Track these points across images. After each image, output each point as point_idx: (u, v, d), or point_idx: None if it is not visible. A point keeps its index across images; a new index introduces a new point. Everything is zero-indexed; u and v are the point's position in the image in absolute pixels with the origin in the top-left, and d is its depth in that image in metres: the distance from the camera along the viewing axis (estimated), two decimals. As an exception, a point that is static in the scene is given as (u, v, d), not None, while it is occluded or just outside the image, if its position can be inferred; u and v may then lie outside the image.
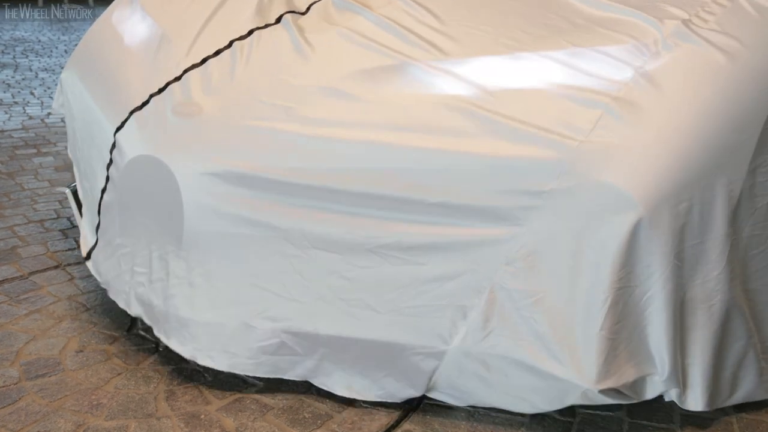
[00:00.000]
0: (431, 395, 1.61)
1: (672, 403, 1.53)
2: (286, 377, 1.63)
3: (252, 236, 1.56)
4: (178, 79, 1.82)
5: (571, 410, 1.62)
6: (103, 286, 1.89)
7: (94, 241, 1.93)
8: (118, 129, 1.82)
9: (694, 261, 1.41)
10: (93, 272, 1.93)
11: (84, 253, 1.99)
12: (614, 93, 1.45)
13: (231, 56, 1.84)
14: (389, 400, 1.60)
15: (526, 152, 1.42)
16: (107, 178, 1.84)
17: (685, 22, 1.59)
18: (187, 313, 1.62)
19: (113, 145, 1.82)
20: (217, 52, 1.86)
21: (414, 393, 1.58)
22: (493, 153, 1.44)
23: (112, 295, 1.84)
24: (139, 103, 1.82)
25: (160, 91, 1.82)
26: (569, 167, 1.39)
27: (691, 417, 1.63)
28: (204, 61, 1.85)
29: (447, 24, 1.76)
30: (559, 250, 1.41)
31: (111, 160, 1.82)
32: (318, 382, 1.63)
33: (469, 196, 1.44)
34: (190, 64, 1.85)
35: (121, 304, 1.80)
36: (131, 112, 1.82)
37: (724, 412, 1.64)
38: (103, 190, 1.86)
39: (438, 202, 1.45)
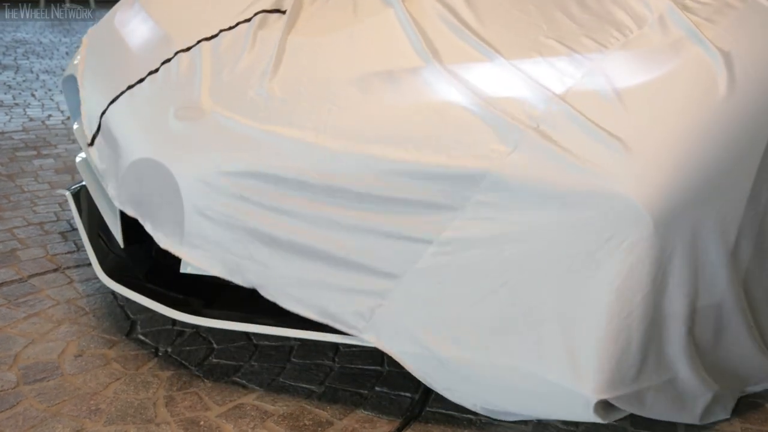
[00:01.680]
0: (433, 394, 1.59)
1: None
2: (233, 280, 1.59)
3: None
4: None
5: (574, 419, 1.61)
6: (99, 176, 1.90)
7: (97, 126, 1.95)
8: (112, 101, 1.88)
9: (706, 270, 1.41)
10: (96, 160, 1.91)
11: (89, 139, 1.99)
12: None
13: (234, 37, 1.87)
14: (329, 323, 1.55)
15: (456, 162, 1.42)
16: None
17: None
18: None
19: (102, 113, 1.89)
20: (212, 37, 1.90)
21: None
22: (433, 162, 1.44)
23: (103, 182, 1.86)
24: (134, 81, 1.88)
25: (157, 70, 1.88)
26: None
27: (694, 427, 1.62)
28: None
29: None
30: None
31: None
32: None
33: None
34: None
35: (111, 193, 1.82)
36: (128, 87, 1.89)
37: (729, 423, 1.63)
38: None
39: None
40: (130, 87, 1.93)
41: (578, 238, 1.35)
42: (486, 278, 1.41)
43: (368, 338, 1.52)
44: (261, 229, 1.55)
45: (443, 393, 1.55)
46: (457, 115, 1.48)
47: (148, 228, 1.70)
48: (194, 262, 1.63)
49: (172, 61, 1.90)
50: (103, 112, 1.94)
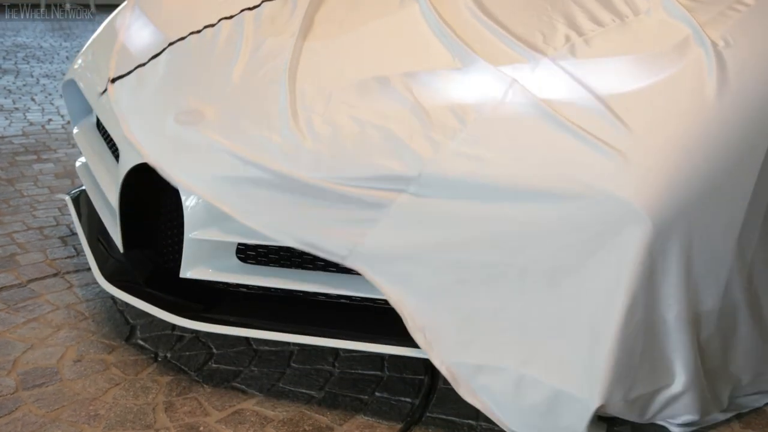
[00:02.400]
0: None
1: (678, 418, 1.51)
2: None
3: None
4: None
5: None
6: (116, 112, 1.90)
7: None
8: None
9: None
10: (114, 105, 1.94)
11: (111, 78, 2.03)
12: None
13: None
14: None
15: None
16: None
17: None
18: None
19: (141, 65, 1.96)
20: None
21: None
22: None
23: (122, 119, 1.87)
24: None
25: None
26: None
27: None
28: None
29: None
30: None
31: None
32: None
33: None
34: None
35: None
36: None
37: (729, 426, 1.62)
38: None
39: None
40: (171, 44, 1.98)
41: (573, 242, 1.35)
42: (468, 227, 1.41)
43: (351, 265, 1.48)
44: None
45: (415, 335, 1.47)
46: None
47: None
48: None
49: (215, 26, 1.96)
50: (142, 64, 1.98)
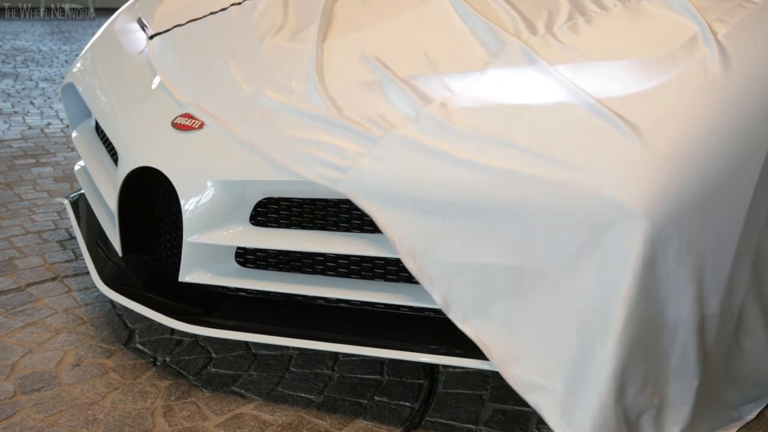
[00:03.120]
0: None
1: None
2: None
3: None
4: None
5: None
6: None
7: None
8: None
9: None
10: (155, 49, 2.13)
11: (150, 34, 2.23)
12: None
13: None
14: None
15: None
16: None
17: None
18: None
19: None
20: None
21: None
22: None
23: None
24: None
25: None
26: None
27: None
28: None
29: None
30: None
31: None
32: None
33: None
34: None
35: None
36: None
37: None
38: None
39: None
40: (212, 13, 2.17)
41: (568, 241, 1.34)
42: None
43: (342, 189, 1.48)
44: None
45: (406, 260, 1.44)
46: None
47: None
48: None
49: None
50: (180, 25, 2.15)
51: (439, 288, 1.43)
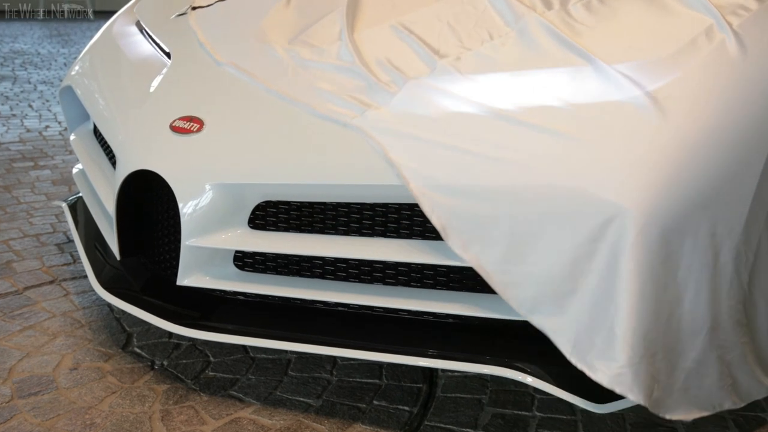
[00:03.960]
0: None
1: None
2: None
3: None
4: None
5: (572, 409, 1.60)
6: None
7: None
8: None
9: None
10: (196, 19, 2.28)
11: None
12: None
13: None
14: None
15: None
16: None
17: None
18: None
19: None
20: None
21: None
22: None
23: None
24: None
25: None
26: None
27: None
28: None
29: None
30: None
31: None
32: None
33: None
34: None
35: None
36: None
37: (721, 415, 1.62)
38: None
39: None
40: None
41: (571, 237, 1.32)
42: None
43: (359, 125, 1.53)
44: None
45: (420, 198, 1.43)
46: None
47: None
48: None
49: None
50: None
51: (439, 213, 1.41)
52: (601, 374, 1.30)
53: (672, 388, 1.34)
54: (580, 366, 1.33)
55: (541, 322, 1.37)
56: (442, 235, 1.41)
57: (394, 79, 1.65)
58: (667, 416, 1.33)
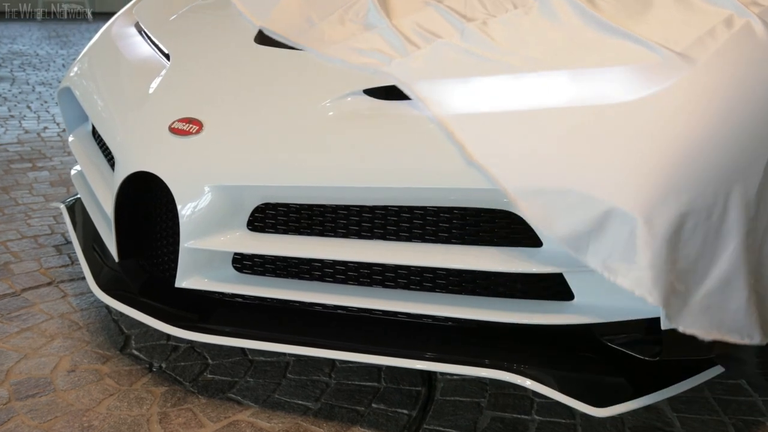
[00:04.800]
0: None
1: (670, 405, 1.50)
2: None
3: None
4: None
5: (571, 413, 1.60)
6: None
7: None
8: None
9: None
10: None
11: None
12: None
13: None
14: None
15: None
16: None
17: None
18: None
19: None
20: None
21: None
22: None
23: None
24: None
25: None
26: None
27: (689, 419, 1.61)
28: None
29: None
30: None
31: None
32: None
33: None
34: None
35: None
36: None
37: (721, 420, 1.61)
38: None
39: None
40: None
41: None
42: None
43: (388, 71, 1.64)
44: None
45: (443, 122, 1.50)
46: None
47: None
48: None
49: None
50: None
51: (458, 125, 1.48)
52: (621, 277, 1.30)
53: (692, 300, 1.32)
54: (600, 269, 1.33)
55: (563, 230, 1.36)
56: (457, 140, 1.47)
57: (424, 39, 1.77)
58: (681, 328, 1.31)
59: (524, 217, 1.40)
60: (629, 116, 1.39)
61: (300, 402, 1.70)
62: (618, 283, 1.30)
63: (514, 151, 1.43)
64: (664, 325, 1.40)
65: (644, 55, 1.48)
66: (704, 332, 1.33)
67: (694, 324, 1.32)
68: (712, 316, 1.33)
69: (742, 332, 1.35)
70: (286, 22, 2.06)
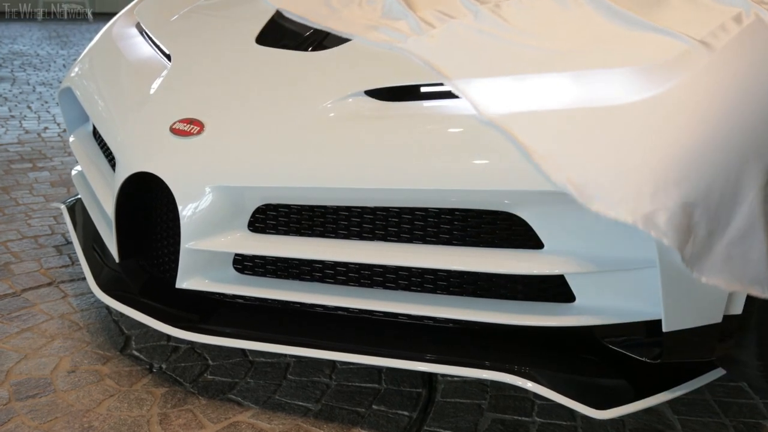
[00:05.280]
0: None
1: (670, 407, 1.50)
2: None
3: None
4: None
5: (572, 415, 1.59)
6: None
7: None
8: None
9: None
10: None
11: None
12: None
13: None
14: None
15: None
16: None
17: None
18: None
19: None
20: None
21: None
22: None
23: None
24: None
25: None
26: None
27: (690, 421, 1.61)
28: None
29: None
30: None
31: None
32: None
33: None
34: None
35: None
36: None
37: (722, 423, 1.61)
38: None
39: None
40: None
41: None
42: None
43: (406, 47, 1.70)
44: None
45: (459, 89, 1.53)
46: None
47: None
48: None
49: None
50: None
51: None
52: (632, 216, 1.25)
53: (712, 248, 1.29)
54: (608, 213, 1.28)
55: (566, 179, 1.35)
56: (468, 100, 1.50)
57: (439, 20, 1.82)
58: (704, 278, 1.28)
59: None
60: (653, 107, 1.38)
61: (300, 403, 1.70)
62: (630, 221, 1.25)
63: (528, 114, 1.44)
64: (666, 327, 1.40)
65: (666, 43, 1.47)
66: (726, 283, 1.30)
67: (716, 275, 1.29)
68: (734, 266, 1.30)
69: (763, 285, 1.33)
70: (305, 5, 2.11)
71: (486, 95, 1.49)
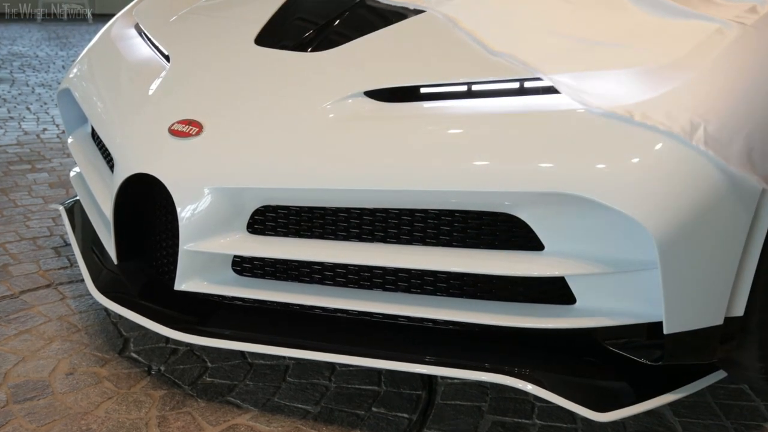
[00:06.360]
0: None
1: (672, 409, 1.49)
2: None
3: None
4: None
5: (572, 417, 1.59)
6: None
7: None
8: None
9: None
10: None
11: None
12: None
13: None
14: None
15: None
16: None
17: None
18: None
19: None
20: None
21: None
22: None
23: None
24: None
25: None
26: None
27: (691, 424, 1.60)
28: None
29: None
30: None
31: None
32: None
33: None
34: None
35: None
36: None
37: (723, 425, 1.61)
38: None
39: None
40: None
41: None
42: None
43: (424, 6, 1.91)
44: None
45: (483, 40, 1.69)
46: None
47: None
48: None
49: None
50: None
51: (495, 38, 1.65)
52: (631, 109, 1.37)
53: (731, 141, 1.34)
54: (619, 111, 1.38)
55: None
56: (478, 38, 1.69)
57: None
58: (732, 166, 1.32)
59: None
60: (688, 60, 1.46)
61: (300, 405, 1.70)
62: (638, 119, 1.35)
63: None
64: (667, 329, 1.39)
65: (698, 26, 1.54)
66: (758, 179, 1.34)
67: (737, 162, 1.33)
68: (755, 161, 1.34)
69: None
70: None
71: (506, 37, 1.65)
